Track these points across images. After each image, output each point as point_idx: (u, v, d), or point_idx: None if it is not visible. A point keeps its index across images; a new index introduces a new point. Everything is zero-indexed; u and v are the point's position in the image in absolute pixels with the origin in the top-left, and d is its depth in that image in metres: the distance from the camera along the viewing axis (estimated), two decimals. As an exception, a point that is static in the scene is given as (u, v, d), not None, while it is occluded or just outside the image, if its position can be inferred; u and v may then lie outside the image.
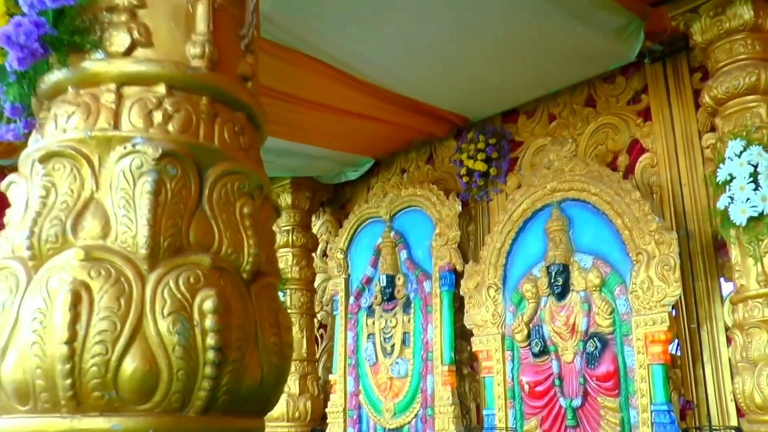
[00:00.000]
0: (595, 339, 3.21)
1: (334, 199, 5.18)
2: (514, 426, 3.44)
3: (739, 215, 2.62)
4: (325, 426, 4.30)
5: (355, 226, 4.64)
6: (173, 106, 1.01)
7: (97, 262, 0.91)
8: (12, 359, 0.90)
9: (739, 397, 2.62)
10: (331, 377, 4.46)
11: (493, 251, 3.73)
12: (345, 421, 4.23)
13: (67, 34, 0.97)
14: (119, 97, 1.01)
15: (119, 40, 1.02)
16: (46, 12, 0.94)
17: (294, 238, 4.82)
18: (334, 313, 4.61)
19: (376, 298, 4.35)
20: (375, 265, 4.43)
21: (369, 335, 4.35)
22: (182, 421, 0.92)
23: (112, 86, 1.01)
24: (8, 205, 1.05)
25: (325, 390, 4.56)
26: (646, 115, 3.59)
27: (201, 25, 1.07)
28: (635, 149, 3.60)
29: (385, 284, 4.28)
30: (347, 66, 3.41)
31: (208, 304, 0.92)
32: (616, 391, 3.11)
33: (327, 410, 4.37)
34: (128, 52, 1.04)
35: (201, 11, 1.07)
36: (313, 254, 5.04)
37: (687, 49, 3.37)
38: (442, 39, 3.29)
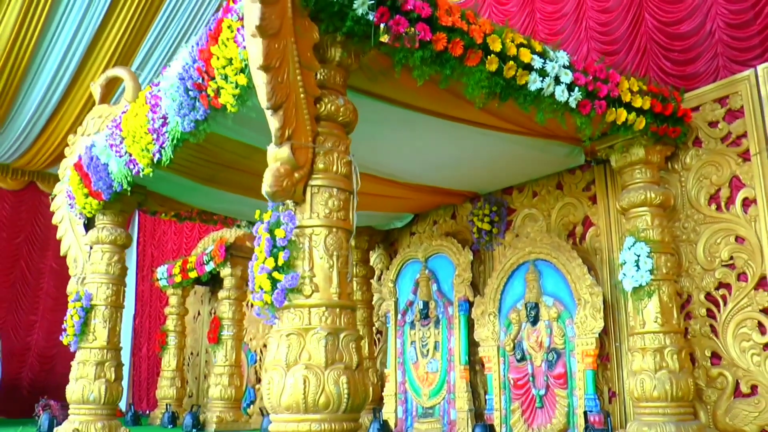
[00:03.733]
0: (553, 352, 5.02)
1: (385, 239, 7.05)
2: (505, 406, 5.28)
3: (628, 285, 4.36)
4: (382, 405, 6.23)
5: (400, 264, 6.51)
6: (327, 315, 2.83)
7: (309, 368, 2.75)
8: (285, 398, 2.74)
9: (628, 392, 4.40)
10: (386, 371, 6.38)
11: (492, 290, 5.55)
12: (396, 401, 6.16)
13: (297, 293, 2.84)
14: (309, 312, 2.85)
15: (307, 290, 2.86)
16: (290, 289, 2.80)
17: (357, 270, 6.69)
18: (387, 325, 6.50)
19: (416, 317, 6.22)
20: (415, 293, 6.29)
21: (411, 342, 6.24)
22: (336, 415, 2.76)
23: (306, 309, 2.85)
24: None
25: (382, 379, 6.48)
26: (593, 199, 5.29)
27: (335, 281, 2.89)
28: (587, 223, 5.32)
29: (422, 307, 6.15)
30: (393, 176, 5.24)
31: (344, 381, 2.77)
32: (565, 386, 4.92)
33: (383, 394, 6.30)
34: (310, 295, 2.88)
35: (334, 276, 2.89)
36: (371, 280, 6.92)
37: (618, 159, 5.05)
38: (458, 157, 5.03)
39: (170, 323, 9.80)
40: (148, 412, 11.04)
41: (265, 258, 2.86)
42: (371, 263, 7.04)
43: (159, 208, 5.99)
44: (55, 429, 5.44)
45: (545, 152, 4.89)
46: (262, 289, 2.87)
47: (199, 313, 10.80)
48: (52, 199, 6.27)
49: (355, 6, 2.97)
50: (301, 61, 2.89)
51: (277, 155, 2.82)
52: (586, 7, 5.70)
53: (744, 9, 4.66)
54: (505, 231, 5.86)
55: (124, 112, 4.67)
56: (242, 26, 3.07)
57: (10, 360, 10.76)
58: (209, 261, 8.56)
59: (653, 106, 4.30)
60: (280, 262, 2.84)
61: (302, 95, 2.89)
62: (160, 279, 9.77)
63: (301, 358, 2.81)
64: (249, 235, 8.06)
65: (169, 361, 9.64)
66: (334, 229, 2.96)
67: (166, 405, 9.22)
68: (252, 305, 9.26)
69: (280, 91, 2.78)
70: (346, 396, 2.80)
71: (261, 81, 2.73)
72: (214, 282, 9.99)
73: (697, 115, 4.67)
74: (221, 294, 8.48)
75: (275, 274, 2.84)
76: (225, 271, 8.43)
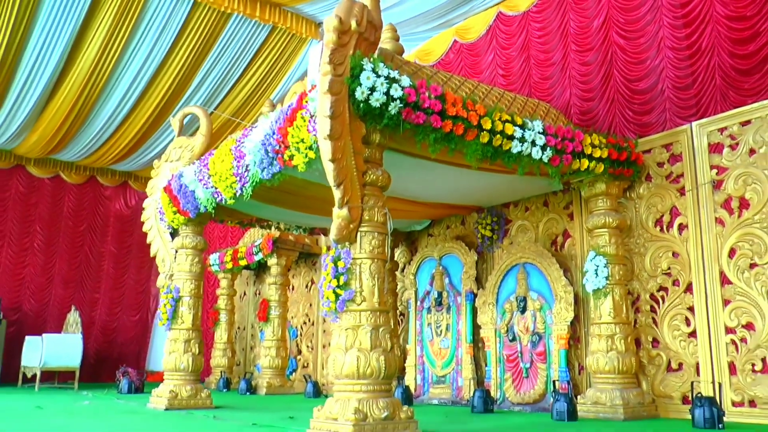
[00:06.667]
0: (536, 335, 6.53)
1: (407, 239, 8.55)
2: (500, 376, 6.81)
3: (589, 288, 5.84)
4: (405, 374, 7.80)
5: (420, 260, 8.02)
6: (371, 316, 4.32)
7: (360, 350, 4.25)
8: (344, 369, 4.20)
9: (588, 366, 5.90)
10: (407, 346, 7.94)
11: (491, 285, 7.05)
12: (415, 371, 7.73)
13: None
14: (360, 315, 4.28)
15: (358, 300, 4.31)
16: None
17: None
18: (408, 310, 8.04)
19: (432, 304, 7.75)
20: (431, 285, 7.81)
21: (428, 324, 7.78)
22: (377, 381, 4.24)
23: (358, 312, 4.33)
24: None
25: (404, 353, 8.04)
26: (571, 216, 6.73)
27: (376, 294, 4.33)
28: (566, 234, 6.76)
29: (436, 296, 7.67)
30: (414, 197, 6.71)
31: (382, 359, 4.26)
32: (545, 361, 6.43)
33: (405, 365, 7.87)
34: (360, 303, 4.34)
35: (376, 291, 4.35)
36: (396, 272, 8.44)
37: (589, 186, 6.48)
38: (464, 186, 6.44)
39: (221, 303, 11.45)
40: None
41: (331, 279, 4.38)
42: (396, 258, 8.55)
43: (227, 218, 7.53)
44: (153, 390, 7.07)
45: (531, 183, 6.32)
46: (329, 299, 4.39)
47: (245, 294, 12.43)
48: (143, 210, 7.83)
49: (389, 109, 4.41)
50: (355, 150, 4.36)
51: (340, 214, 4.31)
52: (569, 59, 7.06)
53: (685, 75, 6.02)
54: (503, 237, 7.34)
55: (210, 155, 6.17)
56: (312, 119, 4.55)
57: (80, 332, 12.44)
58: (258, 252, 10.14)
59: (611, 155, 5.70)
60: (341, 282, 4.36)
61: (355, 173, 4.37)
62: (213, 265, 11.38)
63: (354, 344, 4.33)
64: (290, 232, 9.62)
65: (221, 334, 11.31)
66: (375, 260, 4.46)
67: (221, 372, 10.91)
68: (294, 288, 10.89)
69: (342, 173, 4.26)
70: (384, 369, 4.32)
71: (330, 168, 4.20)
72: (258, 267, 11.62)
73: (648, 156, 6.08)
74: (269, 280, 10.08)
75: (338, 290, 4.36)
76: (272, 261, 10.01)
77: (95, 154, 12.61)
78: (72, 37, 9.22)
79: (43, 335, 10.80)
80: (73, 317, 12.31)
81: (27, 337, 11.06)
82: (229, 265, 10.94)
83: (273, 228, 8.09)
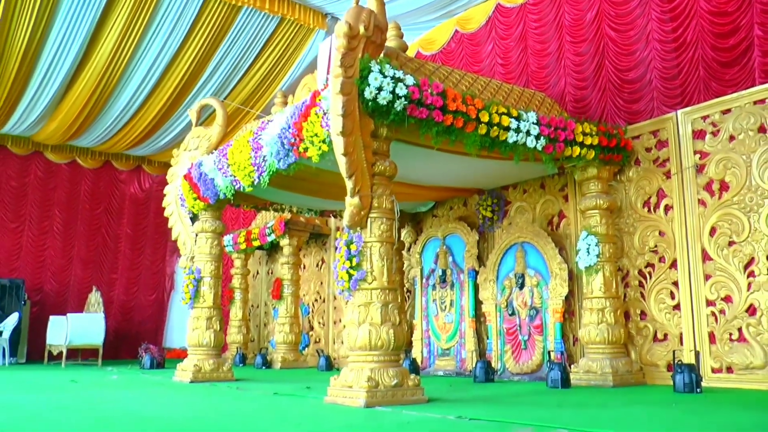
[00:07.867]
0: (534, 309, 7.02)
1: (413, 219, 9.02)
2: (500, 348, 7.32)
3: (581, 265, 6.31)
4: (412, 347, 8.33)
5: (425, 240, 8.50)
6: (381, 294, 4.77)
7: (372, 325, 4.75)
8: (358, 342, 4.71)
9: (580, 338, 6.40)
10: (414, 321, 8.45)
11: (492, 263, 7.53)
12: (422, 344, 8.25)
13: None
14: (371, 293, 4.78)
15: (369, 279, 4.79)
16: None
17: (391, 245, 8.70)
18: (415, 287, 8.55)
19: (436, 281, 8.24)
20: (436, 263, 8.29)
21: (433, 300, 8.28)
22: (387, 352, 4.74)
23: (369, 291, 4.80)
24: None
25: (411, 328, 8.55)
26: (566, 198, 7.18)
27: (385, 274, 4.83)
28: (561, 215, 7.22)
29: (441, 274, 8.17)
30: (419, 182, 7.17)
31: (391, 332, 4.74)
32: (542, 334, 6.94)
33: (412, 339, 8.39)
34: (371, 282, 4.81)
35: (385, 271, 4.84)
36: (402, 252, 8.93)
37: (583, 170, 6.91)
38: (465, 170, 6.91)
39: (236, 282, 11.98)
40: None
41: (345, 261, 4.86)
42: (402, 238, 9.03)
43: (243, 202, 8.01)
44: (177, 365, 7.60)
45: (528, 167, 6.76)
46: (342, 279, 4.88)
47: (258, 273, 12.96)
48: (164, 196, 8.30)
49: (395, 106, 4.84)
50: (364, 143, 4.81)
51: (352, 202, 4.78)
52: (564, 49, 7.46)
53: (672, 66, 6.42)
54: (503, 218, 7.80)
55: (229, 146, 6.62)
56: (325, 116, 5.00)
57: (100, 311, 13.02)
58: (271, 233, 10.63)
59: (601, 141, 6.13)
60: (354, 264, 4.84)
61: (365, 164, 4.82)
62: (227, 246, 11.87)
63: (366, 319, 4.82)
64: (301, 214, 10.10)
65: (236, 312, 11.86)
66: (384, 243, 4.94)
67: (237, 348, 11.47)
68: (305, 267, 11.40)
69: (353, 165, 4.72)
70: (393, 341, 4.81)
71: (342, 161, 4.66)
72: (270, 247, 12.13)
73: (637, 142, 6.51)
74: (282, 260, 10.59)
75: (351, 271, 4.84)
76: (284, 242, 10.51)
77: (111, 140, 13.07)
78: (90, 30, 9.63)
79: (68, 315, 11.36)
80: (95, 297, 12.88)
81: (51, 317, 11.64)
82: (243, 246, 11.43)
83: (285, 210, 8.56)
